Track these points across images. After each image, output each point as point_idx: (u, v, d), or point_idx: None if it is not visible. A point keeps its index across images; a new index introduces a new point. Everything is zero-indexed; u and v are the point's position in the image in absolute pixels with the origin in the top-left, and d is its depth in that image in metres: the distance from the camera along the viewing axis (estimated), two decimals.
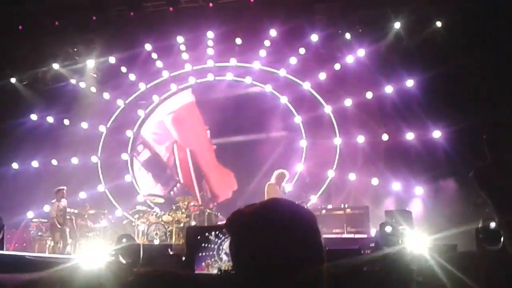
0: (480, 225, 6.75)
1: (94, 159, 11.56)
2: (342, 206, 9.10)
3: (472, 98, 8.80)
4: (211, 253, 6.20)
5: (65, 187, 9.57)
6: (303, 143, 10.64)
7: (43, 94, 11.85)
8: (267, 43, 11.13)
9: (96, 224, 10.03)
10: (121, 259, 7.13)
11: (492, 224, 6.59)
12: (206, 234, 6.27)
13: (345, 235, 8.32)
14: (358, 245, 7.19)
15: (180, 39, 11.58)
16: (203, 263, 6.31)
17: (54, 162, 11.33)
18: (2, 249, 7.03)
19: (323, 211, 9.14)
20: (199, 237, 6.33)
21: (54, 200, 9.38)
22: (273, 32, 10.99)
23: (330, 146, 10.37)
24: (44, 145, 11.25)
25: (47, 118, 11.64)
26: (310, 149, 10.56)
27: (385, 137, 9.75)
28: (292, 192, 9.66)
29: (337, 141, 10.36)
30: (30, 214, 10.30)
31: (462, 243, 6.57)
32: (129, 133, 11.82)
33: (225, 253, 6.19)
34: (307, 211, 1.44)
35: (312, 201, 9.80)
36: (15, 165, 11.16)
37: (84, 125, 11.65)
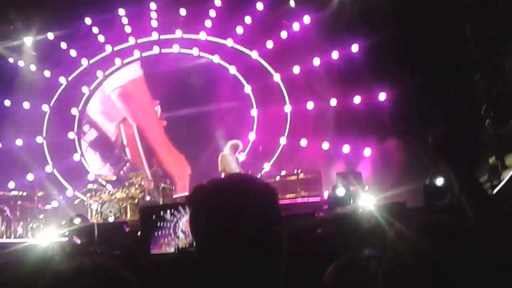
0: (427, 181, 7.09)
1: (39, 139, 11.16)
2: (295, 171, 9.27)
3: (415, 61, 9.03)
4: (167, 232, 6.19)
5: None
6: (254, 112, 10.69)
7: None
8: (212, 13, 10.97)
9: (47, 206, 9.77)
10: (76, 239, 7.02)
11: (439, 180, 6.95)
12: (161, 213, 6.24)
13: (299, 200, 8.51)
14: (312, 209, 7.39)
15: (121, 11, 11.24)
16: (159, 242, 6.29)
17: None
18: None
19: (277, 178, 9.30)
20: (154, 217, 6.29)
21: None
22: (217, 2, 10.85)
23: (280, 114, 10.46)
24: None
25: None
26: (262, 118, 10.61)
27: (333, 102, 9.93)
28: (246, 162, 9.77)
29: (287, 108, 10.46)
30: None
31: (411, 200, 6.88)
32: (74, 111, 11.47)
33: (182, 231, 6.19)
34: (268, 187, 1.43)
35: (266, 169, 9.92)
36: None
37: (26, 105, 11.19)
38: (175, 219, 6.19)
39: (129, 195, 9.41)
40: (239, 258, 1.30)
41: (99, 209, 9.41)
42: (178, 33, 11.29)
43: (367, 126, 9.35)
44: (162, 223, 6.24)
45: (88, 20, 11.31)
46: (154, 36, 11.46)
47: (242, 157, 9.72)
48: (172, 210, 6.33)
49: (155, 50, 11.54)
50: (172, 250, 6.18)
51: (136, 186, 9.63)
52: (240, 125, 10.36)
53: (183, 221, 6.13)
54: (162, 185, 9.74)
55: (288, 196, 8.81)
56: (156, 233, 6.30)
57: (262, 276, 1.32)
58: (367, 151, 9.45)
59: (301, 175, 9.08)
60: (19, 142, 10.88)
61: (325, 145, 9.75)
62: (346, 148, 9.59)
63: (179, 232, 6.20)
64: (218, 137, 10.06)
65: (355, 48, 9.91)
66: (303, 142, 9.99)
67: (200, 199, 1.39)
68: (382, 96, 9.51)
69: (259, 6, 10.67)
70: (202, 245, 1.37)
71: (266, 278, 1.32)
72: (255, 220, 1.32)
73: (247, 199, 1.35)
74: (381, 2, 9.67)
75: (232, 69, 10.90)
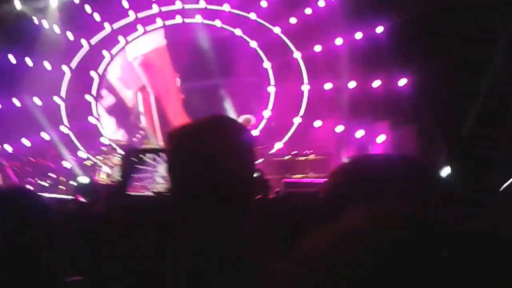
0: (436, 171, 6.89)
1: (57, 100, 11.26)
2: (305, 152, 9.15)
3: (440, 47, 8.72)
4: (145, 175, 6.18)
5: None
6: (270, 89, 10.53)
7: (5, 33, 11.34)
8: None
9: (58, 165, 9.91)
10: (79, 197, 7.08)
11: (446, 171, 6.73)
12: (142, 156, 6.16)
13: (304, 180, 8.39)
14: (316, 189, 7.26)
15: None
16: (135, 184, 6.22)
17: (16, 102, 11.00)
18: None
19: (287, 157, 9.20)
20: (134, 159, 6.19)
21: None
22: None
23: (297, 93, 10.28)
24: (6, 85, 10.88)
25: (9, 57, 11.20)
26: (278, 95, 10.46)
27: (352, 84, 9.70)
28: (257, 138, 9.65)
29: (305, 87, 10.27)
30: None
31: None
32: (93, 75, 11.51)
33: (161, 177, 6.18)
34: (245, 129, 1.44)
35: (277, 147, 9.81)
36: None
37: (47, 65, 11.27)
38: (156, 164, 6.17)
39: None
40: (209, 200, 1.27)
41: (109, 172, 9.48)
42: (202, 4, 11.16)
43: (383, 112, 9.13)
44: (141, 165, 6.18)
45: None
46: (178, 5, 11.35)
47: (255, 132, 9.62)
48: (154, 155, 6.27)
49: (178, 19, 11.43)
50: (146, 193, 6.16)
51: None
52: (256, 101, 10.22)
53: (163, 167, 6.08)
54: None
55: (296, 176, 8.70)
56: (134, 176, 6.25)
57: (229, 219, 1.30)
58: (381, 138, 9.22)
59: (311, 156, 8.96)
60: (37, 101, 10.99)
61: (339, 128, 9.55)
62: (359, 133, 9.38)
63: (157, 177, 6.18)
64: (231, 110, 9.97)
65: (379, 29, 9.62)
66: (317, 123, 9.82)
67: (176, 135, 1.38)
68: (403, 82, 9.22)
69: None
70: (176, 185, 1.35)
71: (233, 221, 1.30)
72: (229, 161, 1.29)
73: (222, 138, 1.33)
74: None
75: (253, 44, 10.74)
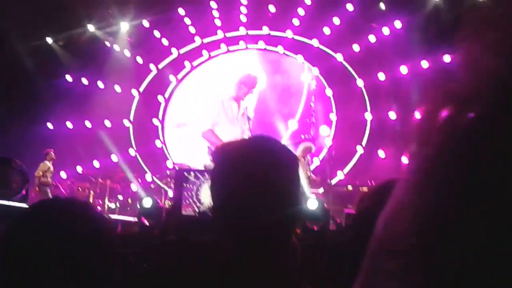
0: None
1: (126, 123, 11.72)
2: (369, 182, 9.00)
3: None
4: (189, 193, 6.18)
5: (52, 150, 10.11)
6: (332, 116, 10.49)
7: (78, 56, 11.97)
8: (300, 11, 10.86)
9: (126, 187, 10.28)
10: (144, 220, 7.31)
11: None
12: (186, 175, 6.24)
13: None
14: None
15: (213, 4, 11.43)
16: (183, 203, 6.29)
17: (88, 124, 11.55)
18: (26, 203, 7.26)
19: (349, 187, 9.09)
20: (182, 178, 6.27)
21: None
22: (307, 1, 10.71)
23: (360, 121, 10.19)
24: (78, 107, 11.46)
25: (82, 79, 11.79)
26: (340, 123, 10.40)
27: (417, 114, 9.45)
28: (319, 167, 9.64)
29: (368, 116, 10.16)
30: (62, 175, 10.63)
31: None
32: (161, 99, 11.90)
33: (205, 196, 6.15)
34: (291, 153, 1.38)
35: (339, 177, 9.73)
36: (49, 125, 11.46)
37: (118, 88, 11.77)
38: (198, 182, 6.18)
39: None
40: (249, 224, 1.24)
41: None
42: (265, 30, 11.30)
43: None
44: (186, 184, 6.26)
45: (181, 11, 11.61)
46: (242, 31, 11.56)
47: (316, 161, 9.61)
48: (197, 173, 6.30)
49: (241, 45, 11.65)
50: (190, 213, 6.19)
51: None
52: (317, 129, 10.22)
53: (206, 186, 6.10)
54: None
55: None
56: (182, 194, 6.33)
57: (270, 246, 1.26)
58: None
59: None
60: (107, 123, 11.49)
61: (404, 159, 9.31)
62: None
63: (201, 196, 6.17)
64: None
65: (447, 58, 9.36)
66: (381, 153, 9.66)
67: (222, 153, 1.37)
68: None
69: (349, 7, 10.39)
70: (217, 204, 1.33)
71: (274, 249, 1.26)
72: (273, 186, 1.26)
73: (268, 161, 1.29)
74: (483, 8, 9.05)
75: (315, 71, 10.75)
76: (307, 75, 10.55)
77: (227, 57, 11.96)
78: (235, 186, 1.26)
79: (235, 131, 9.07)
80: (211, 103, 9.74)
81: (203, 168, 7.73)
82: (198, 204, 6.28)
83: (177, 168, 10.55)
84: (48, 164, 9.97)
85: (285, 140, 10.12)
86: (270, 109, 10.61)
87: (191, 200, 6.34)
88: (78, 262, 1.21)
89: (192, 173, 6.44)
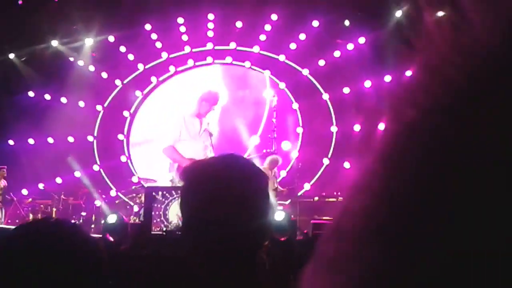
0: None
1: (90, 138, 11.58)
2: (335, 193, 9.13)
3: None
4: (158, 212, 6.22)
5: (5, 167, 9.85)
6: (299, 129, 10.64)
7: (41, 71, 11.83)
8: (267, 27, 11.07)
9: (89, 204, 10.11)
10: (108, 237, 7.20)
11: None
12: (154, 193, 6.31)
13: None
14: None
15: (180, 20, 11.53)
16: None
17: (50, 140, 11.36)
18: None
19: (316, 198, 9.20)
20: (151, 197, 6.34)
21: None
22: (274, 16, 10.93)
23: (326, 134, 10.37)
24: (40, 123, 11.28)
25: (45, 95, 11.64)
26: (306, 136, 10.56)
27: (381, 126, 9.70)
28: (285, 179, 9.72)
29: (334, 128, 10.35)
30: (24, 192, 10.37)
31: None
32: (126, 114, 11.83)
33: (172, 215, 6.20)
34: (260, 170, 1.43)
35: (305, 189, 9.83)
36: (11, 142, 11.21)
37: (81, 103, 11.65)
38: (166, 201, 6.21)
39: None
40: (219, 239, 1.28)
41: (138, 211, 9.60)
42: (232, 45, 11.45)
43: None
44: (154, 204, 6.29)
45: (148, 26, 11.65)
46: (209, 46, 11.67)
47: (282, 174, 9.69)
48: (164, 192, 6.35)
49: (209, 60, 11.75)
50: (158, 232, 6.21)
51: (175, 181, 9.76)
52: (283, 139, 10.31)
53: (174, 205, 6.14)
54: None
55: (325, 217, 8.66)
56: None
57: (240, 259, 1.29)
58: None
59: (340, 198, 8.82)
60: (70, 139, 11.33)
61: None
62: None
63: (168, 215, 6.20)
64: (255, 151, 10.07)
65: (409, 73, 9.67)
66: (347, 164, 9.83)
67: (191, 172, 1.40)
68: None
69: (315, 23, 10.66)
70: (186, 222, 1.36)
71: (244, 262, 1.30)
72: (242, 201, 1.30)
73: (236, 179, 1.33)
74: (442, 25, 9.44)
75: (282, 85, 10.92)
76: (269, 92, 10.72)
77: (191, 73, 12.03)
78: (204, 202, 1.30)
79: (197, 147, 9.14)
80: (173, 120, 9.87)
81: (169, 184, 7.72)
82: (166, 223, 6.28)
83: (142, 183, 10.47)
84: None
85: (247, 155, 10.21)
86: (232, 124, 10.69)
87: (158, 220, 6.34)
88: (70, 283, 1.22)
89: (160, 192, 6.45)
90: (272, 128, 9.27)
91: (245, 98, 11.12)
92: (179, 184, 9.16)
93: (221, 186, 1.30)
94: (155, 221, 6.27)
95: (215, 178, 1.32)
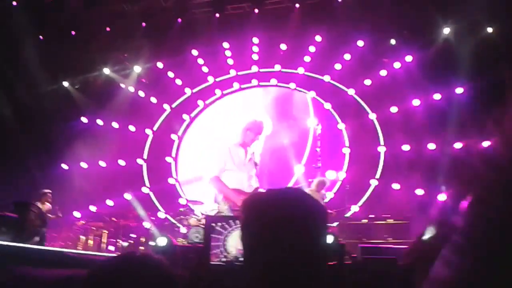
0: None
1: (140, 161, 11.95)
2: (384, 216, 9.00)
3: None
4: (216, 243, 6.29)
5: (50, 191, 10.12)
6: (345, 150, 10.61)
7: (94, 98, 12.39)
8: (312, 48, 11.18)
9: (139, 225, 10.36)
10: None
11: None
12: (213, 224, 6.39)
13: (383, 245, 8.20)
14: (396, 255, 7.08)
15: (225, 44, 11.84)
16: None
17: (102, 163, 11.80)
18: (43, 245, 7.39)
19: (364, 220, 9.07)
20: (211, 228, 6.44)
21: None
22: (318, 38, 11.04)
23: (373, 154, 10.29)
24: (93, 147, 11.73)
25: (97, 120, 12.15)
26: (353, 157, 10.51)
27: (431, 146, 9.57)
28: (333, 201, 9.66)
29: (381, 149, 10.25)
30: (77, 214, 10.78)
31: None
32: (174, 137, 12.15)
33: (231, 246, 6.26)
34: (322, 206, 1.46)
35: (353, 210, 9.74)
36: (64, 166, 11.73)
37: (132, 128, 12.08)
38: (225, 232, 6.27)
39: None
40: (281, 273, 1.32)
41: (186, 233, 9.75)
42: (277, 67, 11.62)
43: (466, 175, 8.83)
44: (214, 234, 6.34)
45: (194, 52, 12.03)
46: (254, 69, 11.89)
47: (329, 195, 9.64)
48: (224, 223, 6.42)
49: (254, 82, 11.96)
50: (217, 262, 6.27)
51: (223, 213, 9.87)
52: (330, 161, 10.28)
53: (234, 235, 6.19)
54: None
55: (373, 240, 8.53)
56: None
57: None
58: (464, 203, 8.87)
59: (390, 220, 8.78)
60: (121, 162, 11.74)
61: (419, 191, 9.36)
62: (441, 197, 9.08)
63: (228, 246, 6.25)
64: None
65: (459, 90, 9.52)
66: (395, 186, 9.68)
67: (253, 205, 1.44)
68: (486, 144, 8.94)
69: (360, 43, 10.68)
70: (248, 254, 1.41)
71: None
72: (303, 237, 1.35)
73: (298, 213, 1.37)
74: (489, 43, 9.25)
75: (327, 105, 10.95)
76: (312, 120, 10.76)
77: (236, 100, 12.24)
78: (266, 234, 1.35)
79: (242, 177, 9.20)
80: (218, 149, 10.02)
81: (227, 214, 7.83)
82: (225, 254, 6.40)
83: (190, 205, 10.66)
84: (42, 205, 10.05)
85: (293, 184, 10.26)
86: (276, 154, 10.75)
87: (218, 250, 6.46)
88: None
89: (219, 223, 6.59)
90: (316, 157, 9.33)
91: (289, 127, 11.13)
92: (227, 213, 9.30)
93: (282, 219, 1.35)
94: (214, 251, 6.40)
95: (276, 211, 1.37)
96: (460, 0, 9.25)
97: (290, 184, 10.41)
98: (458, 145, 9.22)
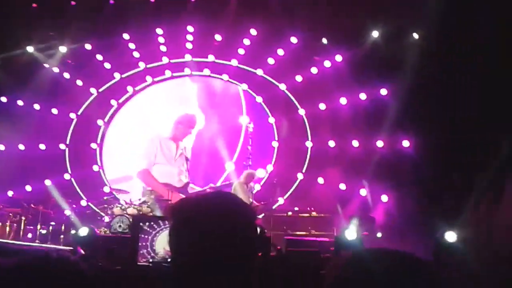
0: (438, 235, 7.02)
1: (62, 146, 11.54)
2: (309, 209, 9.32)
3: (443, 110, 9.14)
4: (143, 243, 6.29)
5: None
6: (274, 144, 10.83)
7: (15, 77, 11.75)
8: (246, 41, 11.28)
9: (59, 213, 10.03)
10: (79, 249, 7.20)
11: (450, 236, 6.86)
12: (141, 224, 6.38)
13: (307, 238, 8.51)
14: (319, 248, 7.38)
15: (159, 31, 11.64)
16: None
17: (21, 146, 11.27)
18: None
19: (289, 213, 9.35)
20: (138, 227, 6.42)
21: None
22: (253, 31, 11.16)
23: (301, 149, 10.59)
24: (12, 129, 11.18)
25: (17, 101, 11.56)
26: (282, 150, 10.75)
27: (355, 143, 10.01)
28: (260, 193, 9.86)
29: (309, 144, 10.57)
30: None
31: (423, 254, 6.81)
32: (100, 123, 11.83)
33: (159, 246, 6.29)
34: (250, 208, 1.54)
35: (279, 203, 10.00)
36: None
37: (55, 111, 11.61)
38: (153, 232, 6.28)
39: (140, 212, 9.55)
40: (210, 275, 1.36)
41: (109, 222, 9.57)
42: (210, 58, 11.62)
43: (387, 172, 9.36)
44: (142, 234, 6.33)
45: (126, 36, 11.72)
46: (187, 58, 11.80)
47: (257, 187, 9.83)
48: (152, 222, 6.41)
49: (186, 71, 11.88)
50: (145, 263, 6.26)
51: (149, 204, 9.77)
52: (259, 155, 10.47)
53: (162, 235, 6.22)
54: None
55: (298, 233, 8.82)
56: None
57: (232, 282, 1.38)
58: (384, 197, 9.42)
59: (314, 213, 9.12)
60: (42, 146, 11.27)
61: (342, 186, 9.78)
62: (363, 192, 9.59)
63: (155, 246, 6.26)
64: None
65: (383, 91, 10.02)
66: (320, 180, 10.05)
67: (181, 210, 1.47)
68: (406, 143, 9.53)
69: (293, 39, 10.93)
70: (176, 258, 1.44)
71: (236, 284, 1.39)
72: (231, 240, 1.39)
73: (225, 216, 1.42)
74: (414, 47, 9.81)
75: (259, 99, 11.12)
76: (245, 118, 10.91)
77: (167, 88, 12.11)
78: (195, 240, 1.39)
79: (172, 171, 9.18)
80: (148, 141, 9.87)
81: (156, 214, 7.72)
82: (152, 254, 6.34)
83: (114, 194, 10.46)
84: None
85: (222, 181, 10.37)
86: (207, 149, 10.82)
87: (145, 250, 6.39)
88: None
89: (146, 222, 6.53)
90: (247, 156, 9.48)
91: (221, 122, 11.17)
92: (155, 208, 9.26)
93: (211, 225, 1.39)
94: (141, 251, 6.32)
95: (205, 217, 1.41)
96: (389, 6, 9.72)
97: (220, 180, 10.50)
98: (380, 143, 9.78)
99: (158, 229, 6.30)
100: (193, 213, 1.44)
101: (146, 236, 6.26)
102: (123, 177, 11.13)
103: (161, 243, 6.32)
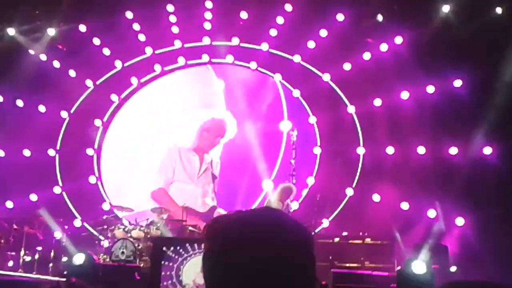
0: None
1: (52, 152, 11.60)
2: (361, 234, 9.16)
3: None
4: (168, 273, 6.22)
5: None
6: (317, 150, 10.70)
7: None
8: (280, 20, 11.17)
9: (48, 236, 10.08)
10: (74, 280, 7.17)
11: None
12: (164, 248, 6.33)
13: (361, 272, 8.36)
14: (376, 284, 7.27)
15: (170, 7, 11.63)
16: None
17: (1, 153, 11.38)
18: None
19: (336, 239, 9.20)
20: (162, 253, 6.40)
21: None
22: (288, 7, 11.04)
23: (351, 156, 10.46)
24: None
25: None
26: (326, 159, 10.63)
27: (421, 150, 9.80)
28: (298, 212, 9.74)
29: (360, 151, 10.42)
30: None
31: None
32: (98, 123, 11.86)
33: (187, 276, 6.23)
34: (305, 229, 1.44)
35: (323, 225, 9.91)
36: None
37: (42, 108, 11.69)
38: (180, 259, 6.21)
39: (148, 235, 9.52)
40: None
41: (109, 248, 9.56)
42: (235, 41, 11.54)
43: (462, 187, 9.14)
44: (165, 261, 6.26)
45: (129, 14, 11.74)
46: (205, 41, 11.74)
47: (294, 206, 9.71)
48: (177, 247, 6.34)
49: (204, 58, 11.82)
50: None
51: (158, 225, 9.73)
52: (298, 165, 10.33)
53: (191, 262, 6.15)
54: (190, 228, 9.79)
55: (347, 264, 8.67)
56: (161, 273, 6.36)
57: None
58: (459, 220, 9.20)
59: (368, 240, 8.96)
60: (26, 152, 11.34)
61: (404, 205, 9.58)
62: (431, 213, 9.37)
63: (182, 276, 6.21)
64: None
65: (457, 83, 9.79)
66: (376, 197, 9.87)
67: (219, 231, 1.42)
68: (487, 151, 9.28)
69: (339, 17, 10.77)
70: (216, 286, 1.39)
71: None
72: (283, 267, 1.33)
73: (275, 238, 1.36)
74: (497, 26, 9.58)
75: (296, 93, 10.99)
76: (286, 123, 10.76)
77: (182, 81, 12.07)
78: (236, 271, 1.35)
79: (195, 191, 9.00)
80: (164, 151, 9.68)
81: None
82: (179, 287, 6.31)
83: (116, 212, 10.45)
84: None
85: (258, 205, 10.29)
86: (239, 164, 10.67)
87: (169, 282, 6.36)
88: None
89: (171, 247, 6.49)
90: (290, 172, 9.30)
91: (256, 130, 10.90)
92: (165, 231, 9.20)
93: (257, 249, 1.34)
94: (164, 283, 6.29)
95: (251, 239, 1.36)
96: None
97: (256, 203, 10.38)
98: (453, 150, 9.55)
99: (186, 255, 6.25)
100: (234, 233, 1.39)
101: (171, 264, 6.21)
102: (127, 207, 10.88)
103: (190, 273, 6.27)
